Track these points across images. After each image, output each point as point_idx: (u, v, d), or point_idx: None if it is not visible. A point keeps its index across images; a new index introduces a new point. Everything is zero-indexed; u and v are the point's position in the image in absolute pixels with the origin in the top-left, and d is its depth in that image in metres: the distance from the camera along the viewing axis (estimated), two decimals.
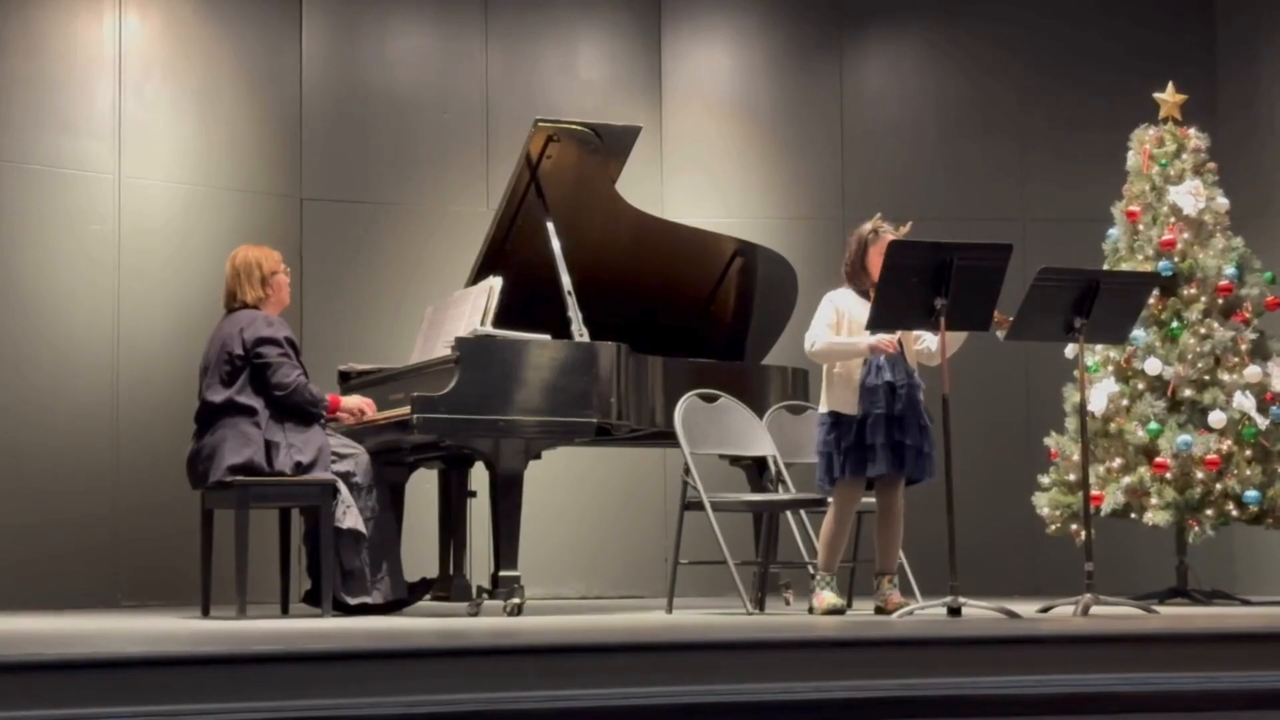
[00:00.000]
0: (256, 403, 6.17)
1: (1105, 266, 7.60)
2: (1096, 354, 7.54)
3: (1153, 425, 7.34)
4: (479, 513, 7.03)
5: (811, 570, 6.09)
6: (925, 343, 5.88)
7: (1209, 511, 7.28)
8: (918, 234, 5.77)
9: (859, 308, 5.83)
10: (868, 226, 5.89)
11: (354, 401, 6.48)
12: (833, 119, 9.60)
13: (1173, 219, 7.60)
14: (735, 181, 9.53)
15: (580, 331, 6.37)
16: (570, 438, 6.36)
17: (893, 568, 5.91)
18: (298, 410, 6.21)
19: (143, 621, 5.91)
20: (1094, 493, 7.22)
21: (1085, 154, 9.25)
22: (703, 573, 6.61)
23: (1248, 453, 7.28)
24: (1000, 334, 5.84)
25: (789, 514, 6.67)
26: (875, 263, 5.80)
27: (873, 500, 5.98)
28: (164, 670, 3.15)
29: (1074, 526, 7.47)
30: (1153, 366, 7.41)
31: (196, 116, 8.49)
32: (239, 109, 8.65)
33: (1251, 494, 7.21)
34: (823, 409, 5.90)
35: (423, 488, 7.31)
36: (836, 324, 5.86)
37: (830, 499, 5.93)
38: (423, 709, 3.12)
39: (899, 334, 5.78)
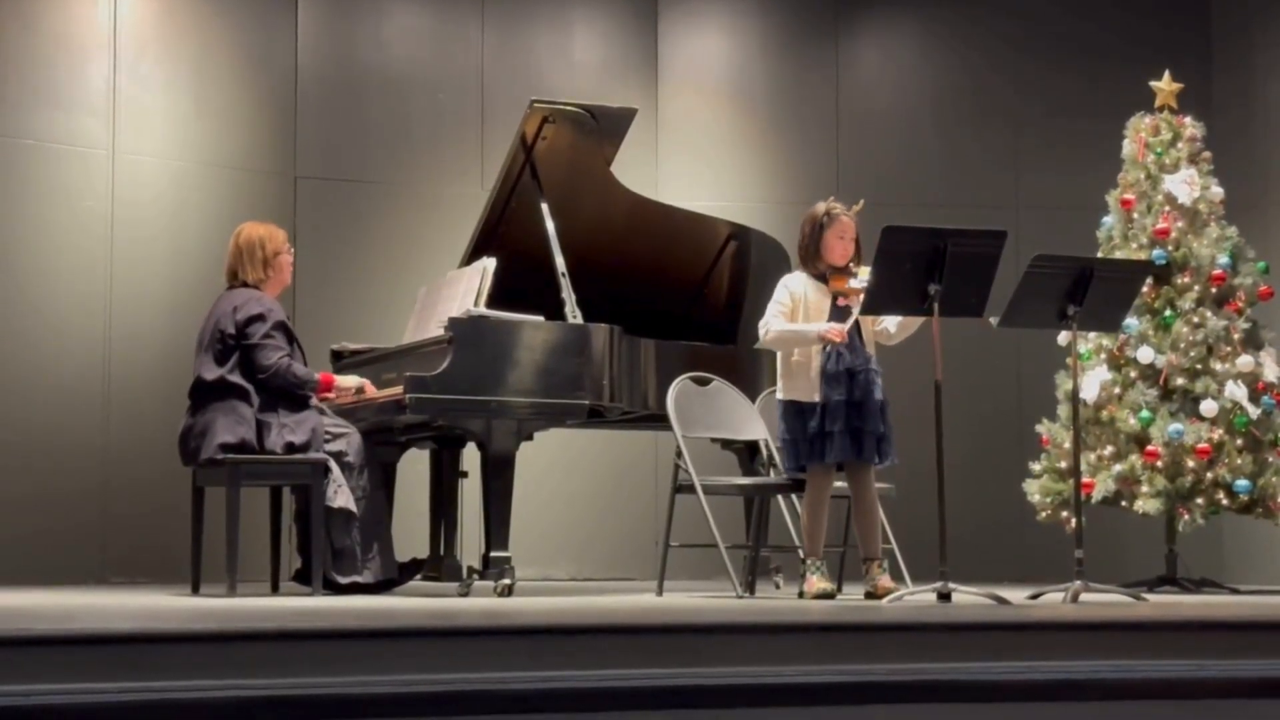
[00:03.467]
0: (249, 382, 6.16)
1: (1099, 254, 7.60)
2: (1089, 342, 7.54)
3: (1144, 413, 7.34)
4: (470, 493, 7.03)
5: (801, 555, 6.09)
6: (884, 324, 5.89)
7: (1199, 500, 7.29)
8: (912, 220, 5.76)
9: (814, 292, 5.84)
10: (821, 208, 5.90)
11: (352, 381, 6.47)
12: (828, 104, 9.59)
13: (1167, 208, 7.61)
14: (730, 165, 9.52)
15: (574, 313, 6.37)
16: (562, 419, 6.36)
17: (876, 553, 5.90)
18: (285, 391, 6.20)
19: (132, 598, 5.91)
20: (1085, 480, 7.23)
21: (1079, 142, 9.25)
22: (693, 556, 6.62)
23: (1239, 442, 7.29)
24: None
25: (780, 498, 6.67)
26: (831, 246, 5.82)
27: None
28: (155, 646, 3.15)
29: (1064, 514, 7.48)
30: (1145, 355, 7.41)
31: (191, 93, 8.47)
32: (234, 86, 8.63)
33: (1242, 483, 7.22)
34: (781, 396, 5.90)
35: (414, 468, 7.31)
36: (792, 309, 5.86)
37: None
38: (413, 688, 3.12)
39: (853, 318, 5.78)
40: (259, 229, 6.43)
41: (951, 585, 5.30)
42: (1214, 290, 7.51)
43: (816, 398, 5.78)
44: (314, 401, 6.28)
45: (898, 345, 5.98)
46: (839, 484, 5.96)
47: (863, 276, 5.68)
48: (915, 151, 9.53)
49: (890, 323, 5.86)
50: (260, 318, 6.19)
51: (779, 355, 5.94)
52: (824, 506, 5.91)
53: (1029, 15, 9.64)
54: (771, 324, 5.84)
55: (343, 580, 6.22)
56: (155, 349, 8.02)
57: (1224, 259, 7.51)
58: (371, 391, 6.43)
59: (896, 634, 3.79)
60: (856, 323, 5.83)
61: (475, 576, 6.25)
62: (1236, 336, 7.43)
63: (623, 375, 6.40)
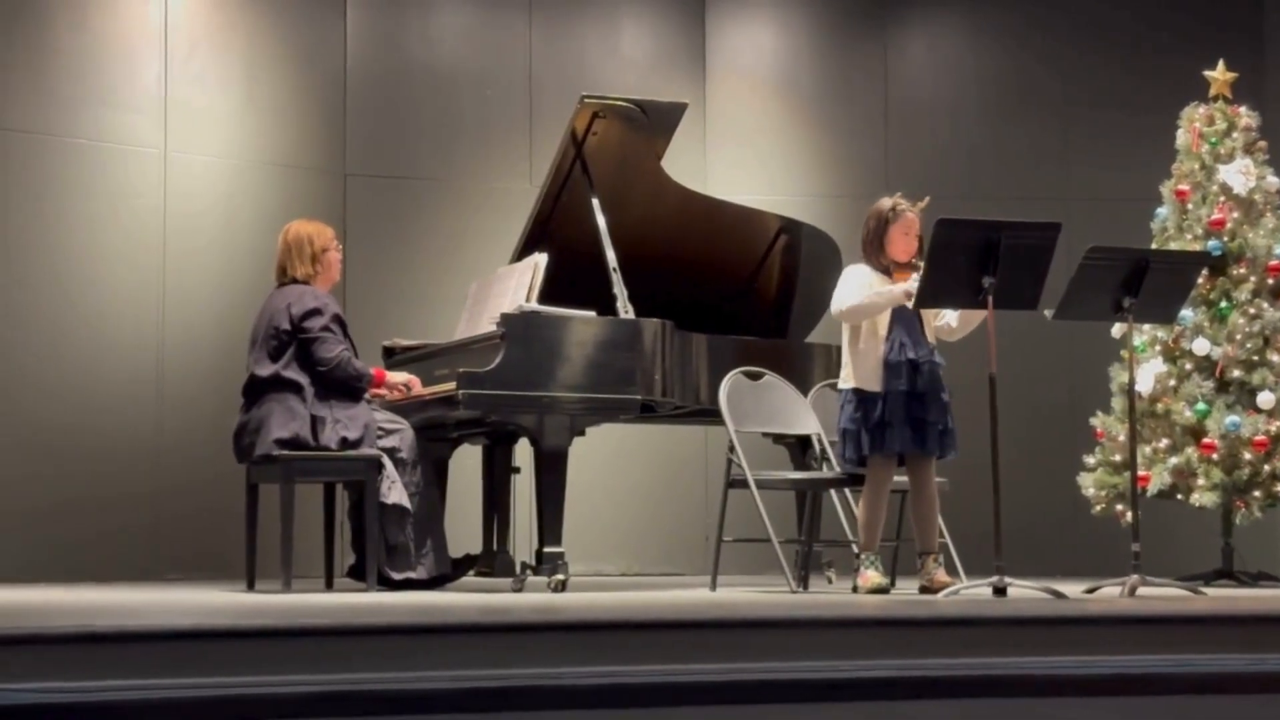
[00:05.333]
0: (303, 378, 6.18)
1: (1153, 246, 7.55)
2: (1144, 334, 7.48)
3: (1200, 406, 7.29)
4: (523, 489, 7.04)
5: (855, 549, 6.07)
6: (946, 318, 5.86)
7: (1256, 493, 7.23)
8: (961, 213, 5.74)
9: (878, 284, 5.82)
10: (887, 203, 5.88)
11: (400, 377, 6.50)
12: (876, 96, 9.56)
13: (1222, 198, 7.54)
14: (778, 158, 9.50)
15: (625, 308, 6.36)
16: (615, 415, 6.36)
17: (933, 546, 5.88)
18: (341, 385, 6.23)
19: (188, 595, 5.95)
20: (1140, 473, 7.18)
21: (1128, 134, 9.19)
22: (744, 551, 6.61)
23: None
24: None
25: (832, 492, 6.65)
26: (895, 241, 5.81)
27: (905, 479, 5.96)
28: (214, 643, 3.16)
29: (1119, 507, 7.44)
30: (1201, 346, 7.36)
31: (241, 91, 8.51)
32: (283, 84, 8.66)
33: None
34: (845, 385, 5.87)
35: (467, 464, 7.33)
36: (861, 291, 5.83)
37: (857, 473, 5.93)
38: (467, 684, 3.12)
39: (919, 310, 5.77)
40: (307, 226, 6.46)
41: (1007, 580, 5.27)
42: (1270, 281, 7.45)
43: (879, 387, 5.76)
44: (366, 397, 6.31)
45: (954, 340, 5.95)
46: (897, 478, 5.94)
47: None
48: (964, 144, 9.48)
49: (951, 317, 5.84)
50: (318, 311, 6.22)
51: (845, 343, 5.91)
52: (883, 499, 5.90)
53: (1076, 6, 9.57)
54: (846, 298, 5.81)
55: (397, 576, 6.24)
56: (208, 347, 8.06)
57: None
58: (417, 388, 6.45)
59: (953, 629, 3.77)
60: (919, 316, 5.80)
61: (528, 572, 6.26)
62: None
63: (674, 370, 6.39)
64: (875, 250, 5.86)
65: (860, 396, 5.81)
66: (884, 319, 5.80)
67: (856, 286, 5.83)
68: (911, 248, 5.84)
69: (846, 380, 5.88)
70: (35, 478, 7.61)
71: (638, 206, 6.83)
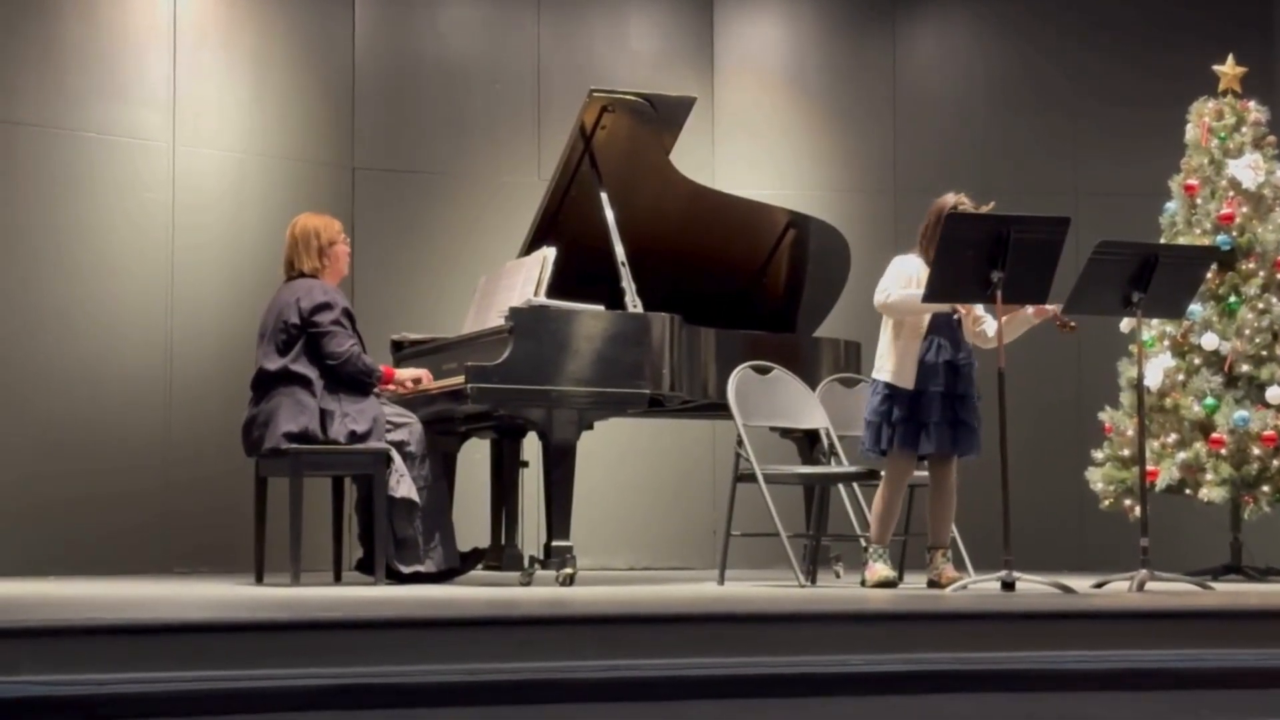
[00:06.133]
0: (312, 372, 6.18)
1: (1162, 240, 7.54)
2: (1152, 328, 7.48)
3: (1209, 401, 7.28)
4: (531, 483, 7.04)
5: (863, 543, 6.07)
6: (985, 325, 5.85)
7: (1265, 488, 7.23)
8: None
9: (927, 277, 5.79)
10: (951, 200, 5.81)
11: (409, 372, 6.50)
12: (885, 91, 9.55)
13: (1231, 193, 7.53)
14: (787, 153, 9.49)
15: (634, 302, 6.36)
16: (623, 409, 6.36)
17: (946, 542, 5.89)
18: (351, 380, 6.23)
19: (197, 588, 5.95)
20: (1149, 468, 7.17)
21: (1137, 128, 9.18)
22: (752, 545, 6.61)
23: None
24: (1064, 331, 5.79)
25: (840, 487, 6.65)
26: None
27: (924, 474, 5.96)
28: (222, 636, 3.17)
29: (1128, 502, 7.44)
30: (1209, 341, 7.35)
31: (250, 85, 8.51)
32: (292, 78, 8.67)
33: None
34: (879, 376, 5.85)
35: (475, 457, 7.33)
36: (908, 285, 5.81)
37: (876, 468, 5.92)
38: (475, 677, 3.13)
39: (963, 309, 5.76)
40: (313, 220, 6.46)
41: (1016, 574, 5.27)
42: (1279, 276, 7.43)
43: (912, 385, 5.74)
44: (374, 391, 6.31)
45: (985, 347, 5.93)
46: (917, 473, 5.94)
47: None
48: (972, 138, 9.47)
49: (989, 326, 5.81)
50: (328, 305, 6.22)
51: (883, 336, 5.88)
52: (901, 494, 5.91)
53: (1085, 1, 9.56)
54: (893, 289, 5.79)
55: (405, 570, 6.25)
56: (216, 340, 8.06)
57: None
58: (429, 382, 6.45)
59: (962, 623, 3.77)
60: (958, 319, 5.79)
61: (536, 566, 6.26)
62: None
63: (683, 364, 6.39)
64: (930, 244, 5.79)
65: (891, 391, 5.79)
66: (926, 317, 5.77)
67: (904, 279, 5.79)
68: None
69: (881, 371, 5.85)
70: (43, 472, 7.62)
71: (646, 200, 6.82)
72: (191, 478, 7.98)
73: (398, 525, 6.23)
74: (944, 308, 5.74)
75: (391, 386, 6.43)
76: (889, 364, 5.82)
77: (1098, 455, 7.64)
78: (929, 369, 5.72)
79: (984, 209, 5.78)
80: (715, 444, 8.85)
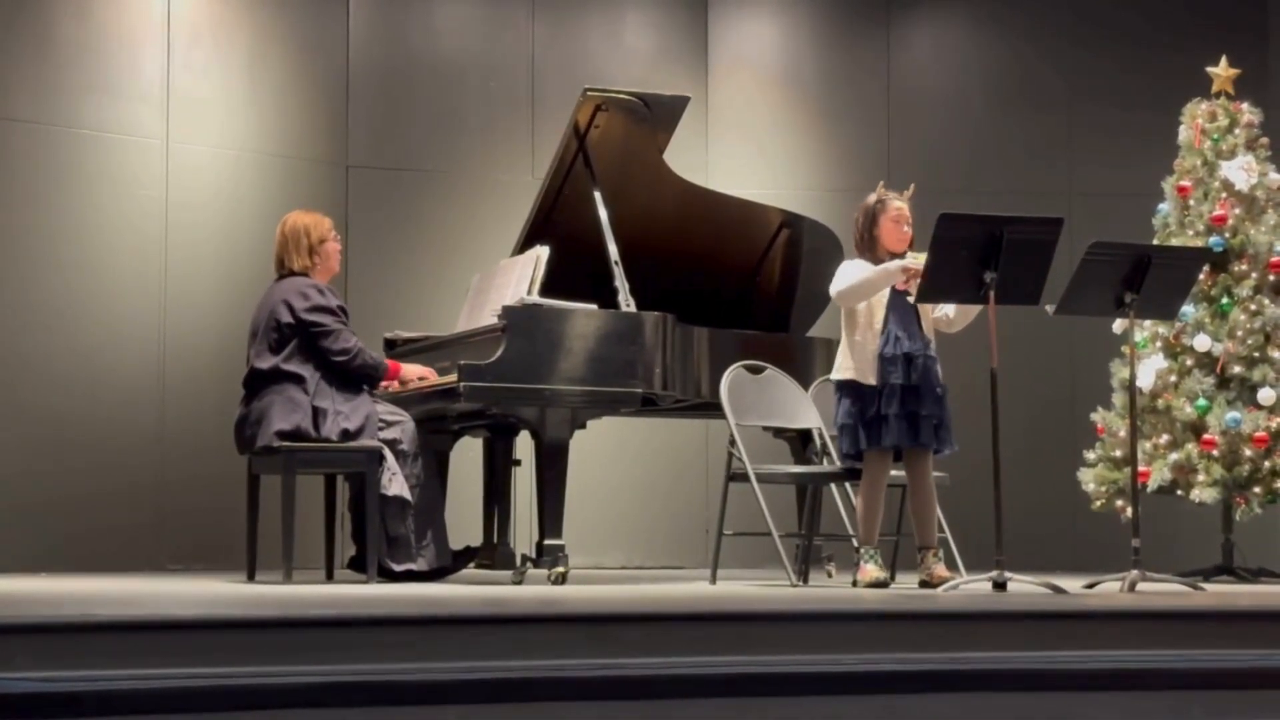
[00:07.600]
0: (305, 370, 6.18)
1: (1155, 241, 7.55)
2: (1145, 329, 7.48)
3: (1201, 402, 7.29)
4: (523, 481, 7.04)
5: (855, 543, 6.07)
6: (944, 309, 5.86)
7: (1256, 489, 7.23)
8: (963, 207, 5.73)
9: None
10: (873, 197, 5.89)
11: (416, 369, 6.49)
12: (879, 91, 9.55)
13: (1224, 194, 7.54)
14: (781, 152, 9.50)
15: (627, 301, 6.37)
16: (616, 407, 6.36)
17: (932, 541, 5.88)
18: (358, 376, 6.23)
19: (190, 585, 5.95)
20: (1140, 469, 7.18)
21: (1131, 129, 9.18)
22: (744, 544, 6.61)
23: None
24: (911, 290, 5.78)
25: (832, 487, 6.65)
26: (888, 231, 5.81)
27: (904, 474, 5.96)
28: (214, 633, 3.17)
29: (1119, 502, 7.45)
30: (1202, 343, 7.36)
31: (244, 82, 8.51)
32: (286, 75, 8.66)
33: None
34: (840, 376, 5.86)
35: (468, 456, 7.33)
36: None
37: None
38: (468, 675, 3.13)
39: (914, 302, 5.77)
40: (304, 217, 6.45)
41: (1007, 575, 5.27)
42: (1271, 278, 7.45)
43: (874, 380, 5.76)
44: (365, 388, 6.31)
45: (953, 334, 5.95)
46: (895, 473, 5.94)
47: (921, 260, 5.65)
48: (967, 138, 9.48)
49: (949, 309, 5.83)
50: (326, 307, 6.22)
51: (843, 340, 5.89)
52: (880, 493, 5.89)
53: (1080, 2, 9.57)
54: (841, 281, 5.81)
55: (397, 568, 6.25)
56: (210, 338, 8.06)
57: None
58: (433, 378, 6.45)
59: (952, 623, 3.78)
60: (916, 309, 5.80)
61: (529, 564, 6.27)
62: None
63: (676, 363, 6.39)
64: (869, 246, 5.85)
65: (856, 389, 5.80)
66: (880, 312, 5.79)
67: (854, 271, 5.82)
68: (905, 236, 5.84)
69: (840, 371, 5.87)
70: (36, 469, 7.62)
71: (640, 199, 6.83)
72: (185, 475, 7.98)
73: (390, 523, 6.22)
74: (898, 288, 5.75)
75: (397, 384, 6.43)
76: (849, 362, 5.82)
77: (1090, 456, 7.65)
78: (888, 361, 5.73)
79: (906, 194, 5.84)
80: (708, 443, 8.85)
